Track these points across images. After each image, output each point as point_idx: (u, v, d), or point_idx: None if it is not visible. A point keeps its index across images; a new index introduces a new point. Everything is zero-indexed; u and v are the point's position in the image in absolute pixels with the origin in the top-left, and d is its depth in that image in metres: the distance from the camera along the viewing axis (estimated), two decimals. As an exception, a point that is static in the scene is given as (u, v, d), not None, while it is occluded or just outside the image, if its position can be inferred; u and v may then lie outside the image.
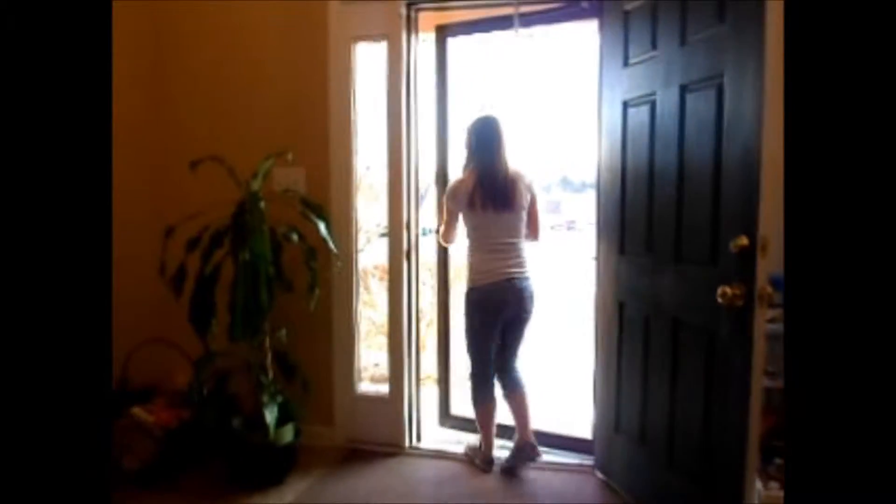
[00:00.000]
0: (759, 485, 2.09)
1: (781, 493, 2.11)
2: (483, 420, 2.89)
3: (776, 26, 1.74)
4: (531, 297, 2.81)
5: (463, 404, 3.16)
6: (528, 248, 2.83)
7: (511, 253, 2.74)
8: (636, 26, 2.45)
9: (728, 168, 1.96)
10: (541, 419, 3.01)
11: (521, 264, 2.76)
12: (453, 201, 2.78)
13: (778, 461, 2.27)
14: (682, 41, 2.17)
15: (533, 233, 2.86)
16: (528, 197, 2.79)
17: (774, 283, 2.51)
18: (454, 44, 3.18)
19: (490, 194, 2.69)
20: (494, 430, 2.91)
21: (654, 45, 2.33)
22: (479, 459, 2.91)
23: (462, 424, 3.20)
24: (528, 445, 2.86)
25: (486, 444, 2.90)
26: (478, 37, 3.22)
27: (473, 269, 2.77)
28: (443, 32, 3.18)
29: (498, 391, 2.92)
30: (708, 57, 2.04)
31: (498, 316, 2.77)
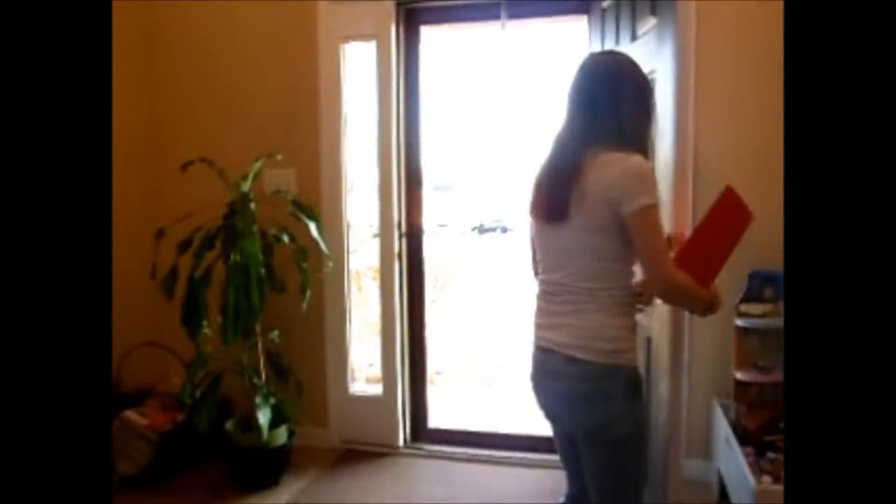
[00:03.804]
0: (751, 479, 2.11)
1: (773, 488, 2.13)
2: None
3: (691, 20, 1.76)
4: (583, 396, 1.50)
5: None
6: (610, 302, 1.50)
7: (569, 307, 1.52)
8: (608, 24, 2.53)
9: (658, 166, 2.00)
10: (522, 421, 2.99)
11: (571, 329, 1.51)
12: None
13: (771, 455, 2.29)
14: (633, 36, 2.24)
15: (650, 274, 1.44)
16: (611, 203, 1.41)
17: (761, 278, 2.54)
18: (429, 34, 3.08)
19: (546, 193, 1.53)
20: None
21: (617, 42, 2.39)
22: None
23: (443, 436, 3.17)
24: None
25: None
26: (460, 31, 3.19)
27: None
28: (413, 18, 3.03)
29: None
30: (648, 52, 2.11)
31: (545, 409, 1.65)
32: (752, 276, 2.49)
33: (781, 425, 2.44)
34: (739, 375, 2.45)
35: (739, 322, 2.44)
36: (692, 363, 2.71)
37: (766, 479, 2.17)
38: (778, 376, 2.44)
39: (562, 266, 1.52)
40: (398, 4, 2.93)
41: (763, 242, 2.56)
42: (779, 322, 2.42)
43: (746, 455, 2.22)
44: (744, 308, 2.45)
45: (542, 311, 1.60)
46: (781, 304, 2.44)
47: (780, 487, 2.13)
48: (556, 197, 1.47)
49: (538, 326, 1.61)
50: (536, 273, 1.66)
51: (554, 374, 1.54)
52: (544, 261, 1.58)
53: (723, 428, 2.45)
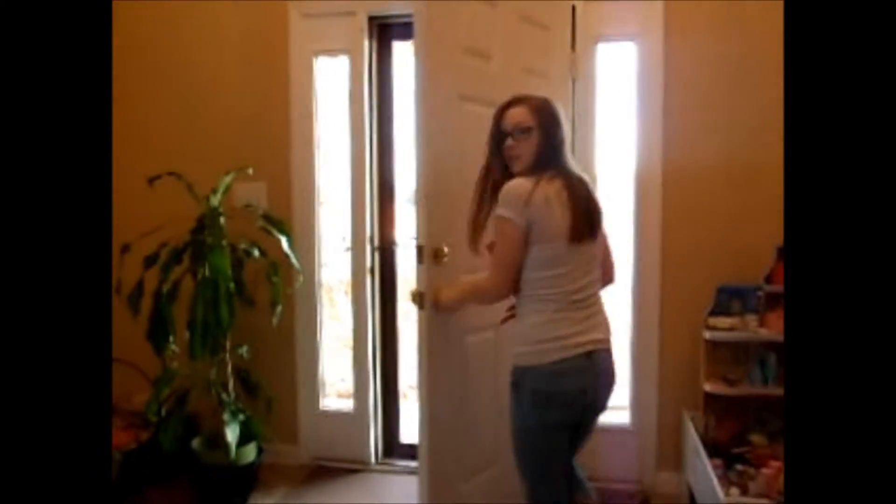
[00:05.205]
0: (720, 491, 2.13)
1: (741, 500, 2.15)
2: None
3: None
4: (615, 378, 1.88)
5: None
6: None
7: (596, 307, 1.84)
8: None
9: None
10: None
11: (602, 325, 1.84)
12: (523, 214, 1.71)
13: (739, 467, 2.31)
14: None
15: (608, 273, 1.93)
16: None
17: (728, 292, 2.59)
18: (402, 49, 3.02)
19: (586, 214, 1.74)
20: None
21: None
22: None
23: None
24: None
25: None
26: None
27: (536, 336, 1.77)
28: (386, 34, 3.00)
29: None
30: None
31: (576, 414, 1.78)
32: (720, 291, 2.53)
33: (749, 437, 2.48)
34: (708, 388, 2.48)
35: (708, 335, 2.47)
36: (663, 376, 2.74)
37: (735, 491, 2.19)
38: (746, 389, 2.48)
39: (588, 275, 1.79)
40: (371, 19, 2.93)
41: (730, 258, 2.62)
42: (746, 335, 2.46)
43: (715, 467, 2.25)
44: (712, 322, 2.49)
45: (571, 320, 1.75)
46: (748, 318, 2.48)
47: (748, 500, 2.15)
48: (597, 217, 1.79)
49: (572, 335, 1.74)
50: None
51: (607, 370, 1.82)
52: (569, 274, 1.75)
53: (693, 440, 2.47)
